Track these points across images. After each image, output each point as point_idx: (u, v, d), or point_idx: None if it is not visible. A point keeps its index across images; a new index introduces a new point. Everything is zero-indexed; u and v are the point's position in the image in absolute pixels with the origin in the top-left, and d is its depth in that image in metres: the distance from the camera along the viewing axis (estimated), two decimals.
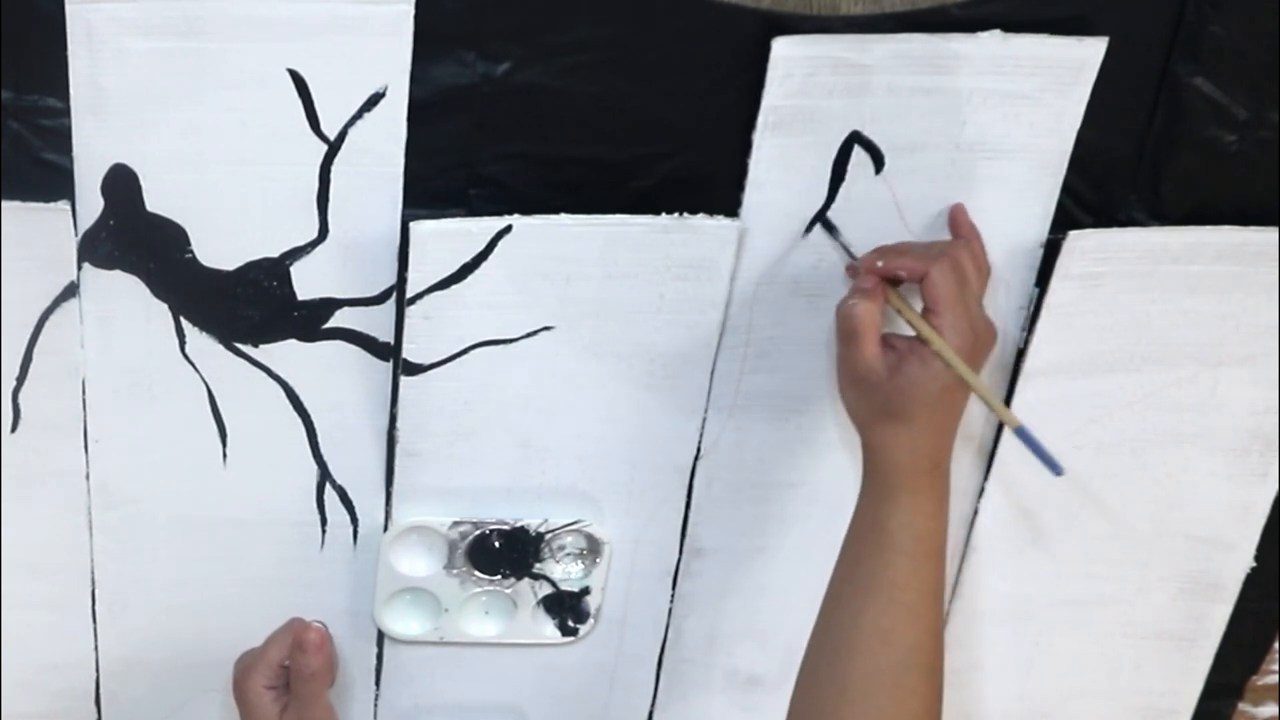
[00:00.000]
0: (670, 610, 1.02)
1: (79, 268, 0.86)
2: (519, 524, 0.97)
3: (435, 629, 1.00)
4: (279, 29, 0.81)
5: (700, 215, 0.88)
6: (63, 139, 0.83)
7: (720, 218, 0.88)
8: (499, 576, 0.98)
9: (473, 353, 0.91)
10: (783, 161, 0.88)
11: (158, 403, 0.91)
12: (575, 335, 0.91)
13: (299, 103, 0.83)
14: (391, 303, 0.89)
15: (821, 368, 0.95)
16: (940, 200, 0.90)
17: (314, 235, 0.87)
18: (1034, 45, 0.86)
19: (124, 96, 0.82)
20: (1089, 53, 0.87)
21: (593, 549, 0.99)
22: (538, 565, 0.98)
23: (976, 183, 0.90)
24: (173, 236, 0.86)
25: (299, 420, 0.93)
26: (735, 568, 1.02)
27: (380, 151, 0.85)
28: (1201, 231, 0.93)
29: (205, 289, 0.88)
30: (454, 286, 0.88)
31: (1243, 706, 1.13)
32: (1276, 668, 1.11)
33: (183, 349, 0.90)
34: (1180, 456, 1.00)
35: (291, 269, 0.88)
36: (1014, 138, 0.89)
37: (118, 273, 0.87)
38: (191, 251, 0.87)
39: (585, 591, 1.00)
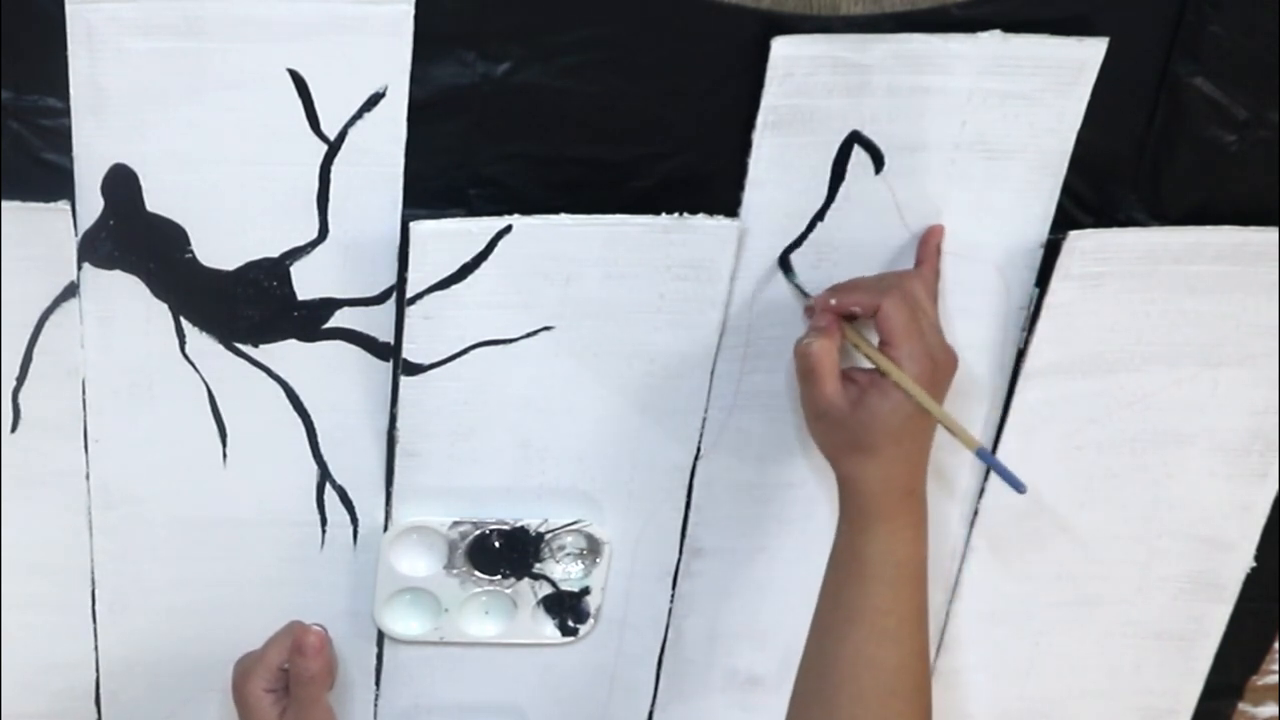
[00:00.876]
0: (670, 610, 1.02)
1: (79, 268, 0.86)
2: (519, 524, 0.97)
3: (435, 629, 1.00)
4: (279, 29, 0.81)
5: (700, 215, 0.88)
6: (63, 139, 0.83)
7: (720, 218, 0.88)
8: (499, 576, 0.98)
9: (473, 353, 0.91)
10: (782, 161, 0.88)
11: (158, 403, 0.91)
12: (575, 335, 0.91)
13: (299, 103, 0.83)
14: (391, 303, 0.89)
15: None
16: (940, 200, 0.90)
17: (314, 235, 0.87)
18: (1034, 45, 0.86)
19: (124, 96, 0.82)
20: (1089, 53, 0.87)
21: (593, 549, 0.99)
22: (538, 565, 0.98)
23: (976, 182, 0.90)
24: (173, 236, 0.86)
25: (299, 420, 0.93)
26: (735, 568, 1.02)
27: (380, 151, 0.85)
28: (1201, 231, 0.93)
29: (205, 289, 0.88)
30: (454, 286, 0.88)
31: (1243, 706, 1.13)
32: (1276, 668, 1.11)
33: (183, 349, 0.90)
34: (1180, 456, 1.00)
35: (291, 269, 0.88)
36: (1014, 138, 0.89)
37: (118, 273, 0.87)
38: (191, 251, 0.87)
39: (585, 591, 1.00)
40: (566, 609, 1.00)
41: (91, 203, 0.85)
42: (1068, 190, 0.91)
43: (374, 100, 0.84)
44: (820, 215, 0.90)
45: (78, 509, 0.94)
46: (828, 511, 0.98)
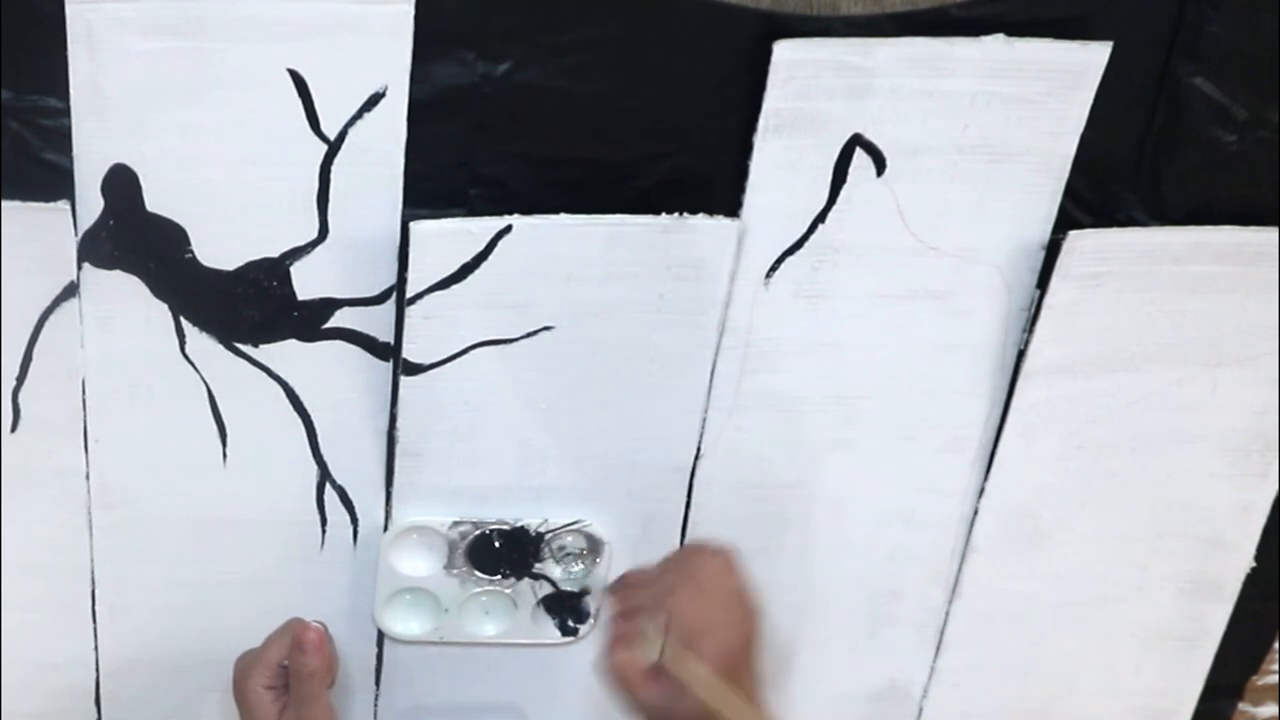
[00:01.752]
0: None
1: (79, 268, 0.86)
2: (519, 524, 0.97)
3: (435, 629, 1.00)
4: (279, 29, 0.81)
5: (700, 215, 0.88)
6: (63, 139, 0.83)
7: (720, 217, 0.88)
8: (499, 577, 0.98)
9: (473, 353, 0.91)
10: (784, 164, 0.88)
11: (158, 403, 0.91)
12: (575, 335, 0.91)
13: (299, 103, 0.83)
14: (391, 303, 0.89)
15: (821, 368, 0.95)
16: (942, 203, 0.90)
17: (314, 235, 0.87)
18: (1038, 50, 0.86)
19: (124, 96, 0.82)
20: (1092, 57, 0.86)
21: (593, 549, 0.99)
22: (538, 565, 0.98)
23: (978, 185, 0.90)
24: (173, 236, 0.86)
25: (299, 420, 0.93)
26: None
27: (380, 151, 0.85)
28: (1202, 232, 0.93)
29: (205, 289, 0.88)
30: (454, 286, 0.88)
31: (1243, 706, 1.13)
32: (1277, 668, 1.11)
33: (183, 349, 0.90)
34: (1181, 456, 1.00)
35: (291, 269, 0.88)
36: (1017, 141, 0.88)
37: (118, 273, 0.87)
38: (191, 251, 0.87)
39: (585, 592, 1.00)
40: (567, 609, 1.00)
41: (91, 203, 0.85)
42: (1068, 190, 0.91)
43: (374, 100, 0.83)
44: (821, 218, 0.90)
45: (77, 508, 0.94)
46: (827, 512, 0.98)
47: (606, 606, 0.88)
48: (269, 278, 0.88)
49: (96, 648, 0.99)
